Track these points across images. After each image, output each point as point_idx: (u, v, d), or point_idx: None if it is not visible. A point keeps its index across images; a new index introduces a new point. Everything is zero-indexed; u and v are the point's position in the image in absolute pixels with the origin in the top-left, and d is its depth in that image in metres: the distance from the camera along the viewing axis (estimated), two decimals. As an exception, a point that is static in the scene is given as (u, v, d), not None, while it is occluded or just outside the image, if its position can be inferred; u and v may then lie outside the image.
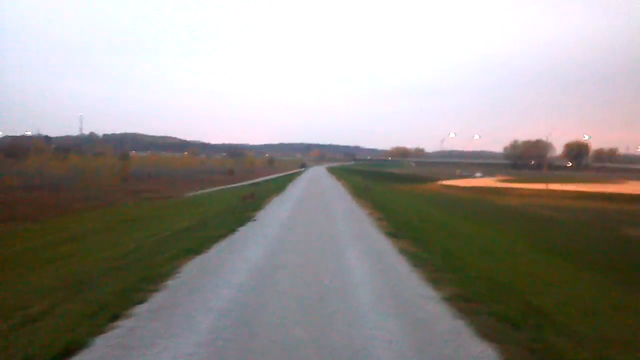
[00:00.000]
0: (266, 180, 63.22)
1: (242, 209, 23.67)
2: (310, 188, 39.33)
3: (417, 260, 9.62)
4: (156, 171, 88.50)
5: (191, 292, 7.45)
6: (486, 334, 5.59)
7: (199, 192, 63.66)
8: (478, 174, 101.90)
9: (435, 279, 8.16)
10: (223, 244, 11.84)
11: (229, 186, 62.40)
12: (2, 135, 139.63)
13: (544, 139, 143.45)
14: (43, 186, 66.25)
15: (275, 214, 18.56)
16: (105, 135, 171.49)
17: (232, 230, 14.04)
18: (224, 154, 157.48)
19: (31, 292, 8.25)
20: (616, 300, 8.44)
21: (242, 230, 14.11)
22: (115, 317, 6.41)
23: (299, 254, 10.43)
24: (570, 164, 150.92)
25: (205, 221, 22.58)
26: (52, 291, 8.04)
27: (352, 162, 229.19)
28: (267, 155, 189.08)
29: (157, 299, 7.17)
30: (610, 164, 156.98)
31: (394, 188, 49.38)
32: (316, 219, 16.80)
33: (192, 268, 9.20)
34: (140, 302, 7.05)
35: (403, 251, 10.61)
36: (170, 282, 8.10)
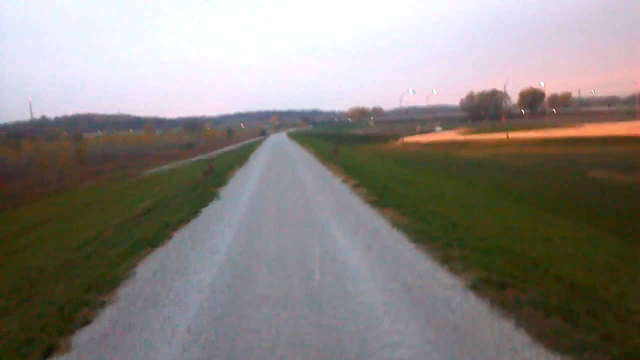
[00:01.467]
0: (226, 152, 61.15)
1: (204, 185, 21.96)
2: (275, 156, 37.52)
3: (416, 234, 8.20)
4: (113, 151, 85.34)
5: (149, 305, 5.84)
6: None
7: (159, 168, 61.43)
8: (438, 128, 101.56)
9: (445, 257, 6.75)
10: (185, 231, 10.17)
11: (188, 160, 60.18)
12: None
13: (499, 89, 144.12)
14: (-5, 176, 62.97)
15: (241, 189, 16.86)
16: (57, 119, 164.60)
17: (195, 212, 12.37)
18: (181, 128, 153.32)
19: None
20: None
21: (205, 212, 12.46)
22: (50, 351, 4.84)
23: (276, 238, 8.86)
24: (527, 111, 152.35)
25: (166, 201, 20.88)
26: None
27: (312, 127, 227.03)
28: (225, 126, 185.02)
29: (104, 318, 5.58)
30: (566, 108, 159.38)
31: (358, 150, 47.95)
32: (288, 192, 15.14)
33: (150, 266, 7.58)
34: (84, 323, 5.48)
35: (397, 224, 9.13)
36: (122, 291, 6.47)
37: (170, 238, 9.51)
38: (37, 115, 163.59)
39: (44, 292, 7.36)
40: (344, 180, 16.52)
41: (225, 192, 16.43)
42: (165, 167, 62.92)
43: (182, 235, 9.72)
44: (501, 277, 5.74)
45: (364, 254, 7.35)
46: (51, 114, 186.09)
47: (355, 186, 14.86)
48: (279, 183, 17.87)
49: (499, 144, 47.48)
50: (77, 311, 5.86)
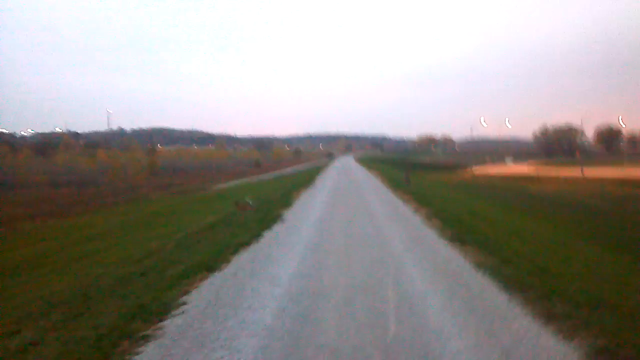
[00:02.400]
0: (293, 172, 61.00)
1: (269, 202, 21.34)
2: (342, 180, 36.67)
3: (504, 279, 7.01)
4: (184, 165, 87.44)
5: (195, 347, 4.98)
6: None
7: (226, 184, 62.07)
8: (509, 160, 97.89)
9: (546, 314, 5.55)
10: (245, 255, 9.39)
11: (255, 178, 60.35)
12: (33, 133, 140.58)
13: (574, 124, 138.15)
14: (71, 182, 65.42)
15: (306, 212, 16.02)
16: (133, 131, 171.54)
17: (257, 235, 11.60)
18: (251, 146, 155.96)
19: (30, 308, 7.09)
20: None
21: (268, 235, 11.64)
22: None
23: (343, 273, 7.85)
24: (603, 149, 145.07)
25: (230, 218, 20.38)
26: (51, 310, 6.77)
27: (379, 152, 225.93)
28: (293, 146, 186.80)
29: (144, 358, 4.77)
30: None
31: (426, 178, 46.44)
32: (356, 219, 14.11)
33: (203, 295, 6.80)
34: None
35: (480, 266, 7.93)
36: (169, 324, 5.68)
37: (228, 262, 8.77)
38: (115, 127, 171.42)
39: (94, 311, 6.81)
40: (416, 210, 15.37)
41: (289, 214, 15.63)
42: (232, 184, 63.65)
43: (241, 260, 8.95)
44: (621, 345, 4.53)
45: (447, 302, 6.21)
46: (128, 126, 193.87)
47: (428, 217, 13.71)
48: (347, 209, 16.90)
49: (574, 180, 44.72)
50: (116, 346, 5.12)
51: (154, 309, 6.27)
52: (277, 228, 12.74)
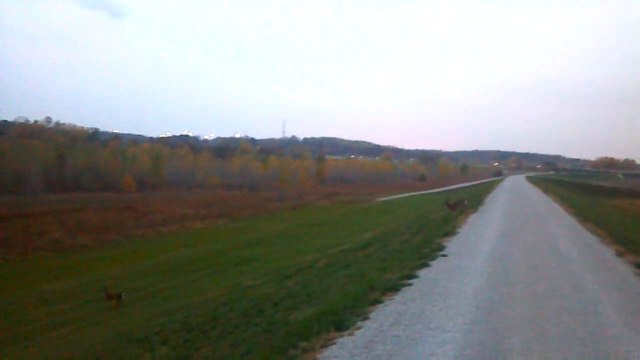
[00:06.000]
0: (459, 189, 57.37)
1: (432, 225, 19.05)
2: (515, 202, 32.56)
3: None
4: (350, 175, 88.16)
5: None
6: None
7: (389, 197, 60.51)
8: None
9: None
10: (389, 309, 6.99)
11: (419, 193, 57.98)
12: (215, 137, 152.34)
13: None
14: (243, 185, 68.98)
15: (474, 244, 13.11)
16: (305, 139, 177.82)
17: (409, 275, 9.08)
18: (416, 159, 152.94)
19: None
20: None
21: (424, 276, 9.05)
22: None
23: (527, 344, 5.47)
24: None
25: (386, 237, 18.63)
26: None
27: (552, 172, 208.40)
28: (460, 162, 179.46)
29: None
30: None
31: (609, 204, 40.04)
32: (541, 260, 10.88)
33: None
34: None
35: None
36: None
37: (366, 319, 6.52)
38: (289, 135, 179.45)
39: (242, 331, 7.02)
40: (619, 254, 11.90)
41: (453, 244, 12.97)
42: (395, 197, 61.90)
43: (383, 319, 6.51)
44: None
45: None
46: (301, 135, 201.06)
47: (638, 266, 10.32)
48: (525, 243, 13.68)
49: None
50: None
51: None
52: (437, 264, 10.39)
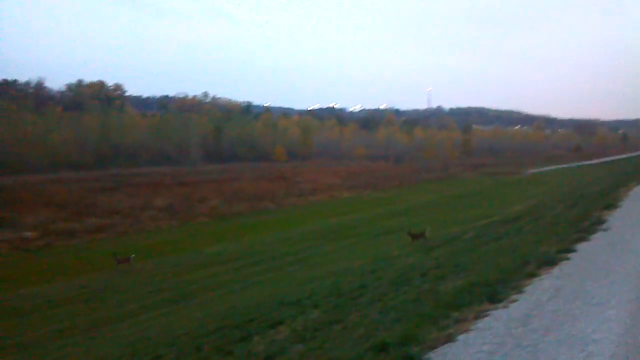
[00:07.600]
0: (619, 160, 52.06)
1: (589, 197, 17.63)
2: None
3: None
4: (498, 146, 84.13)
5: None
6: None
7: (541, 169, 56.87)
8: None
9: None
10: (545, 286, 6.28)
11: (573, 164, 53.74)
12: (360, 109, 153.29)
13: None
14: (388, 157, 69.05)
15: None
16: (451, 109, 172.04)
17: (566, 248, 8.33)
18: (571, 129, 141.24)
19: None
20: None
21: (582, 250, 8.25)
22: None
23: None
24: None
25: (538, 211, 17.72)
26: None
27: None
28: (621, 131, 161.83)
29: None
30: None
31: None
32: None
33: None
34: None
35: None
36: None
37: (521, 292, 6.03)
38: (434, 105, 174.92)
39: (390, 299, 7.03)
40: None
41: (615, 218, 11.69)
42: (547, 169, 58.00)
43: (540, 293, 5.97)
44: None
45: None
46: (447, 105, 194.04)
47: None
48: None
49: None
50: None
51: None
52: (597, 239, 9.57)
